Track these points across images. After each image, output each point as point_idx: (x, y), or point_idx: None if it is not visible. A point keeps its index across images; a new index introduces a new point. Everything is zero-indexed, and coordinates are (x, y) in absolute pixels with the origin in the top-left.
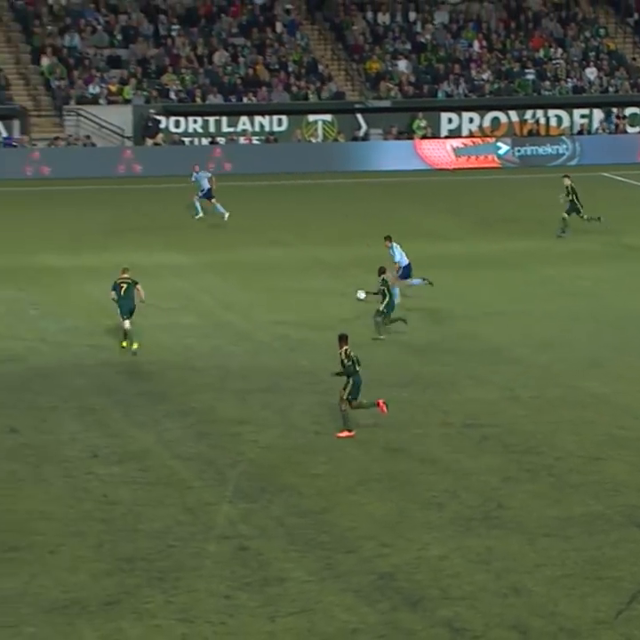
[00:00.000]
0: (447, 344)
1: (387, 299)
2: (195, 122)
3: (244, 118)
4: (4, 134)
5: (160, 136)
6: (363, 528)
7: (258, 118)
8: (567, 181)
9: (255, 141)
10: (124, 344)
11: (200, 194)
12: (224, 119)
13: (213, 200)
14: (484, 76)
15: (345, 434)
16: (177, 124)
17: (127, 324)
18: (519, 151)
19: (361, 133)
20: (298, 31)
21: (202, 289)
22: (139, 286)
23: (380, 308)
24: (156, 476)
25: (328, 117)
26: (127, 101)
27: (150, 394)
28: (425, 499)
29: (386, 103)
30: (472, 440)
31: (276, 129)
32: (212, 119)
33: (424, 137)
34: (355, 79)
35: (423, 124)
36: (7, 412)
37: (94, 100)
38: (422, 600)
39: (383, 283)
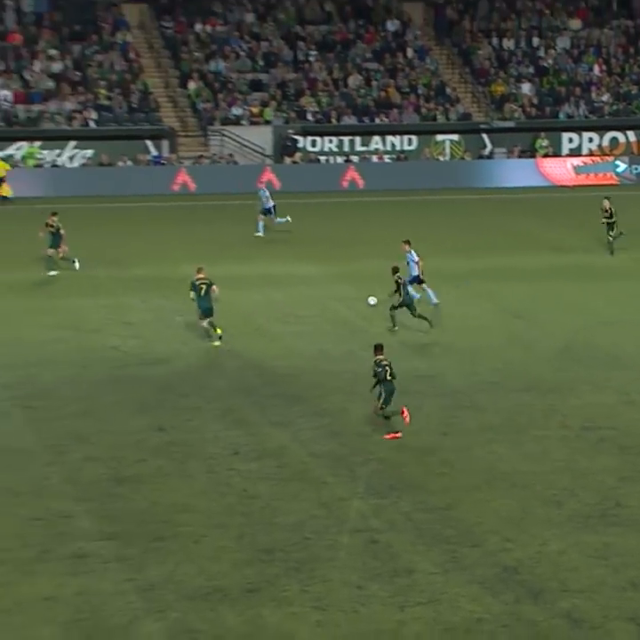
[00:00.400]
0: (567, 351)
1: (401, 297)
2: (330, 141)
3: (376, 138)
4: (154, 153)
5: (298, 154)
6: (487, 523)
7: (389, 138)
8: (607, 204)
9: (387, 159)
10: (216, 344)
11: (264, 211)
12: (357, 139)
13: (262, 216)
14: (604, 98)
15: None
16: (314, 144)
17: (205, 322)
18: (636, 169)
19: (486, 152)
20: (427, 56)
21: (333, 297)
22: (214, 286)
23: (395, 304)
24: (292, 472)
25: (455, 137)
26: (268, 122)
27: (286, 395)
28: (545, 497)
29: (510, 124)
30: (589, 442)
31: (406, 148)
32: (346, 139)
33: (546, 155)
34: (481, 101)
35: (545, 143)
36: (155, 412)
37: (237, 121)
38: (543, 592)
39: (397, 281)
